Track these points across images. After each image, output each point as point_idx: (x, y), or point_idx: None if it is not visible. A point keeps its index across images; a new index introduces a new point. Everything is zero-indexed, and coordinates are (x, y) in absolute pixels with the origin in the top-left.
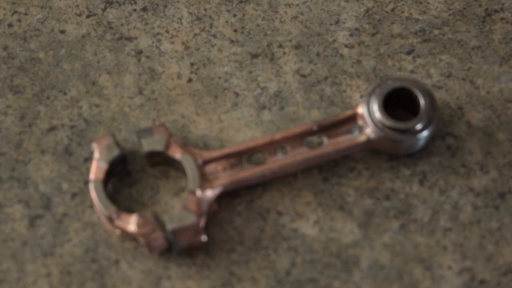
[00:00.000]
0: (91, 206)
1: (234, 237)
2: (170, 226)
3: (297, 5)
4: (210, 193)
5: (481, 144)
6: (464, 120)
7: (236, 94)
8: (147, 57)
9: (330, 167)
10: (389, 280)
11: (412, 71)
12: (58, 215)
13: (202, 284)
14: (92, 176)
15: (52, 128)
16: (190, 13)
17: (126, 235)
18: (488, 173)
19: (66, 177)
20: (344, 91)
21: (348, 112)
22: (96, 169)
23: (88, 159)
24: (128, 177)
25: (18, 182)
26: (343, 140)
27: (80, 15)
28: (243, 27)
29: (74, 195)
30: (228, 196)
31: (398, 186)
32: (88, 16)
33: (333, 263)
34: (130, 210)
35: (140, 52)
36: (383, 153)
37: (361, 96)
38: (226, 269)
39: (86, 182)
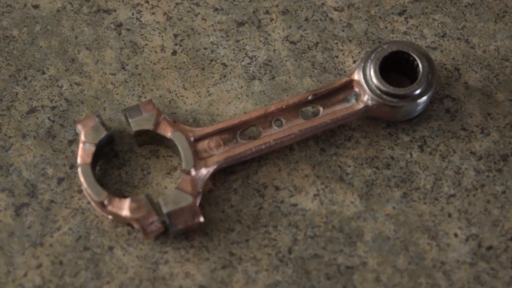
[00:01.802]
0: (80, 191)
1: (231, 216)
2: (165, 209)
3: None
4: (204, 172)
5: (480, 105)
6: (462, 82)
7: (224, 65)
8: (128, 30)
9: (327, 137)
10: (395, 251)
11: (405, 33)
12: (45, 202)
13: (201, 267)
14: (79, 160)
15: (32, 110)
16: None
17: (119, 220)
18: (489, 135)
19: (51, 161)
20: (336, 56)
21: (344, 79)
22: (83, 152)
23: (73, 141)
24: (116, 159)
25: (0, 170)
26: (340, 109)
27: None
28: None
29: (60, 180)
30: (223, 172)
31: (398, 153)
32: None
33: (336, 238)
34: (120, 193)
35: (120, 25)
36: (381, 120)
37: (354, 62)
38: (225, 250)
39: (72, 166)
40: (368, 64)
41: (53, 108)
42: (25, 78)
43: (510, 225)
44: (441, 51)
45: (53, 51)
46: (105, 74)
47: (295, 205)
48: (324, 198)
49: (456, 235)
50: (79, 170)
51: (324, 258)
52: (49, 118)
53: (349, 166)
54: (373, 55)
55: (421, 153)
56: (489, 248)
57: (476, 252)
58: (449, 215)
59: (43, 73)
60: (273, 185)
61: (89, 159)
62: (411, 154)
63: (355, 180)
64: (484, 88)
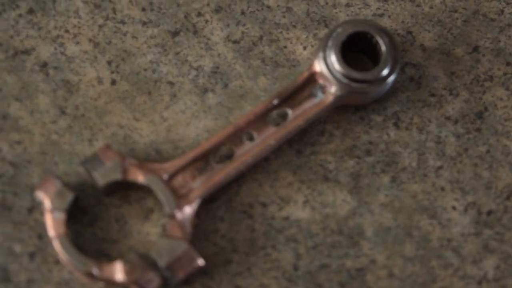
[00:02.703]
0: (56, 261)
1: (225, 247)
2: (162, 262)
3: None
4: (189, 210)
5: (442, 66)
6: (418, 44)
7: (171, 84)
8: (55, 68)
9: (299, 137)
10: (400, 240)
11: (347, 5)
12: (23, 284)
13: None
14: (52, 232)
15: None
16: (85, 2)
17: (112, 285)
18: (458, 95)
19: (14, 237)
20: (285, 47)
21: (305, 74)
22: (54, 222)
23: (32, 208)
24: (85, 215)
25: None
26: (309, 106)
27: None
28: (151, 3)
29: (32, 255)
30: (202, 202)
31: (375, 136)
32: None
33: (338, 241)
34: (101, 253)
35: (44, 64)
36: (349, 106)
37: (305, 48)
38: (230, 285)
39: (41, 236)
40: (328, 53)
41: None
42: None
43: (503, 184)
44: (389, 17)
45: None
46: (45, 124)
47: (287, 218)
48: (315, 203)
49: (454, 207)
50: (57, 243)
51: (331, 266)
52: None
53: (330, 162)
54: (330, 42)
55: (397, 130)
56: (489, 213)
57: (477, 220)
58: (442, 189)
59: None
60: (259, 202)
61: (62, 229)
62: (388, 134)
63: (339, 175)
64: (441, 46)
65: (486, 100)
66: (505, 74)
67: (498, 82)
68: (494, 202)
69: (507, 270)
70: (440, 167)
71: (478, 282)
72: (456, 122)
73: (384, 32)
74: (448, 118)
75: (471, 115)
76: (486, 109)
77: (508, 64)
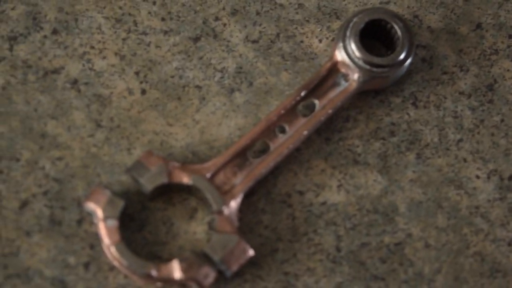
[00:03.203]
0: (111, 268)
1: (270, 237)
2: (216, 256)
3: None
4: (234, 205)
5: (450, 45)
6: (425, 27)
7: (198, 87)
8: (86, 83)
9: (326, 125)
10: (432, 213)
11: None
12: None
13: None
14: (107, 240)
15: (24, 203)
16: (107, 18)
17: (169, 285)
18: (468, 71)
19: (68, 249)
20: (301, 41)
21: (327, 65)
22: (107, 230)
23: (81, 220)
24: (132, 222)
25: (19, 278)
26: (334, 95)
27: None
28: (169, 13)
29: (86, 265)
30: (244, 197)
31: (396, 117)
32: None
33: (375, 220)
34: (153, 256)
35: (75, 81)
36: (369, 91)
37: (320, 41)
38: (278, 272)
39: (93, 246)
40: (347, 42)
41: (45, 193)
42: (1, 172)
43: None
44: (395, 3)
45: (18, 133)
46: (83, 138)
47: (324, 203)
48: (348, 186)
49: (477, 176)
50: (113, 250)
51: (371, 244)
52: (45, 205)
53: (358, 146)
54: (348, 32)
55: (416, 109)
56: (510, 178)
57: (501, 186)
58: (465, 160)
59: (18, 160)
60: (296, 191)
61: (117, 236)
62: (408, 114)
63: (368, 158)
64: (446, 26)
65: (495, 73)
66: (508, 46)
67: (503, 55)
68: None
69: None
70: (460, 140)
71: (509, 244)
72: (469, 96)
73: (398, 18)
74: (461, 93)
75: (483, 88)
76: (495, 81)
77: (510, 36)
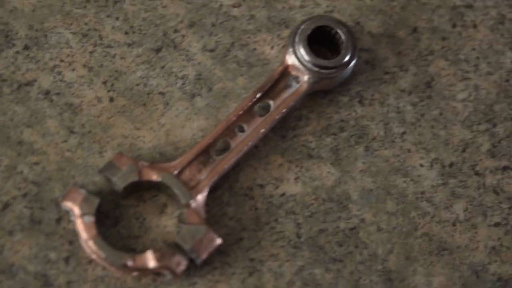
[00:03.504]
0: (89, 261)
1: (235, 227)
2: (187, 246)
3: None
4: (200, 198)
5: (389, 47)
6: (366, 32)
7: (162, 94)
8: (58, 94)
9: (281, 124)
10: (382, 199)
11: (301, 6)
12: (63, 286)
13: (231, 282)
14: (85, 235)
15: (6, 206)
16: (74, 33)
17: (145, 274)
18: (408, 70)
19: (48, 246)
20: (255, 49)
21: (279, 69)
22: (85, 226)
23: (59, 219)
24: (107, 218)
25: (4, 274)
26: (287, 96)
27: None
28: (132, 27)
29: (67, 260)
30: (209, 192)
31: (345, 114)
32: None
33: (330, 208)
34: (128, 248)
35: (47, 92)
36: (318, 92)
37: (272, 48)
38: (245, 259)
39: (72, 242)
40: (297, 47)
41: (24, 195)
42: None
43: (458, 139)
44: (338, 12)
45: None
46: (57, 144)
47: (283, 194)
48: (304, 178)
49: (421, 165)
50: (91, 244)
51: (328, 229)
52: (25, 206)
53: (311, 141)
54: (297, 38)
55: (362, 107)
56: (451, 165)
57: (442, 173)
58: (409, 151)
59: None
60: (257, 184)
61: (94, 230)
62: (355, 111)
63: (321, 152)
64: (385, 31)
65: (431, 71)
66: (442, 47)
67: (438, 55)
68: (453, 155)
69: (474, 210)
70: (404, 133)
71: (453, 224)
72: (410, 93)
73: (342, 24)
74: (402, 90)
75: (421, 85)
76: (432, 78)
77: (443, 38)
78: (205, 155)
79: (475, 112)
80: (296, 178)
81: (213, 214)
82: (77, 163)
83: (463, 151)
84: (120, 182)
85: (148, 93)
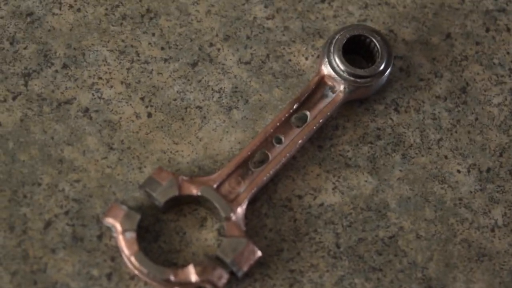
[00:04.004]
0: (132, 277)
1: (275, 238)
2: (228, 259)
3: None
4: (240, 211)
5: (424, 54)
6: (400, 40)
7: (199, 108)
8: (96, 111)
9: (317, 134)
10: (420, 207)
11: (334, 16)
12: None
13: None
14: (127, 251)
15: (48, 224)
16: (111, 50)
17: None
18: (442, 76)
19: (91, 263)
20: (290, 60)
21: (315, 79)
22: (127, 242)
23: (101, 235)
24: (148, 233)
25: None
26: (323, 106)
27: (5, 100)
28: (167, 42)
29: (109, 276)
30: (248, 204)
31: (381, 122)
32: (14, 98)
33: (369, 217)
34: (169, 263)
35: (86, 110)
36: (354, 101)
37: (307, 58)
38: (285, 270)
39: (113, 258)
40: (332, 57)
41: (66, 213)
42: (25, 196)
43: (494, 144)
44: (371, 20)
45: (38, 160)
46: (98, 161)
47: (321, 204)
48: (342, 188)
49: (458, 171)
50: (133, 259)
51: (367, 238)
52: (67, 224)
53: (348, 151)
54: (332, 48)
55: (398, 114)
56: (488, 170)
57: (480, 178)
58: (446, 157)
59: (39, 184)
60: (295, 195)
61: (136, 246)
62: (391, 119)
63: (358, 161)
64: (419, 38)
65: (466, 77)
66: (476, 52)
67: (472, 60)
68: (490, 160)
69: None
70: (440, 139)
71: (491, 230)
72: (445, 99)
73: (376, 32)
74: (438, 97)
75: (456, 91)
76: (467, 84)
77: (477, 43)
78: (243, 168)
79: (511, 116)
80: (334, 188)
81: (252, 226)
82: (117, 179)
83: (500, 155)
84: (160, 197)
85: (186, 108)
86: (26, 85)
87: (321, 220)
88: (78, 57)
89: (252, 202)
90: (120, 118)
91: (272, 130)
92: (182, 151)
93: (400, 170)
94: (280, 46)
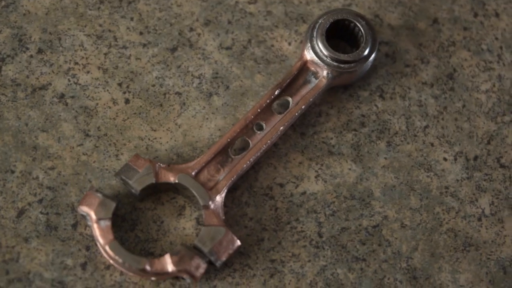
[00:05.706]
0: (107, 267)
1: (255, 227)
2: (206, 248)
3: None
4: (219, 199)
5: (410, 39)
6: (385, 25)
7: (179, 94)
8: (72, 97)
9: (300, 121)
10: (405, 195)
11: (318, 1)
12: None
13: (252, 285)
14: (101, 239)
15: (21, 212)
16: (88, 35)
17: (163, 278)
18: (429, 62)
19: (65, 252)
20: (272, 45)
21: (297, 64)
22: (102, 231)
23: (76, 224)
24: (124, 222)
25: (21, 282)
26: (305, 92)
27: None
28: (146, 27)
29: (84, 266)
30: (228, 192)
31: (365, 109)
32: None
33: (352, 206)
34: (147, 252)
35: (62, 95)
36: (338, 87)
37: (289, 44)
38: (265, 260)
39: (88, 248)
40: (315, 42)
41: (40, 201)
42: None
43: (482, 132)
44: (356, 5)
45: (11, 147)
46: (73, 148)
47: (303, 193)
48: (325, 176)
49: (445, 159)
50: (108, 249)
51: (351, 228)
52: (41, 212)
53: (331, 138)
54: (315, 32)
55: (383, 101)
56: (475, 158)
57: (467, 166)
58: (432, 145)
59: (12, 172)
60: (277, 183)
61: (111, 235)
62: (376, 105)
63: (342, 148)
64: (405, 23)
65: (453, 63)
66: (464, 38)
67: (460, 46)
68: (477, 148)
69: (500, 204)
70: (426, 126)
71: (478, 219)
72: (432, 85)
73: (360, 17)
74: (424, 83)
75: (443, 77)
76: (454, 70)
77: (465, 29)
78: (223, 155)
79: (499, 103)
80: (317, 176)
81: (232, 215)
82: (93, 166)
83: (488, 143)
84: (137, 184)
85: (164, 94)
86: (0, 70)
87: (303, 209)
88: (54, 42)
89: (232, 190)
90: (97, 104)
91: (253, 117)
92: (160, 138)
93: (385, 158)
94: (263, 31)
